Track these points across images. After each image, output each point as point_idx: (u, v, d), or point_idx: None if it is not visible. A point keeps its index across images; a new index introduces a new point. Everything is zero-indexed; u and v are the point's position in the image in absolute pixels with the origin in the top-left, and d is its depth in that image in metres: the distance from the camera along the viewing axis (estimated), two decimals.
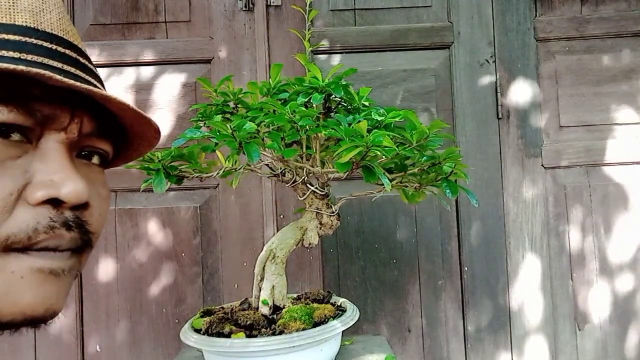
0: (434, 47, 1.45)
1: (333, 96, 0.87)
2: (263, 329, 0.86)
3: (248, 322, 0.87)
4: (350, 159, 0.73)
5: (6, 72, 0.33)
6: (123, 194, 1.41)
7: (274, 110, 0.81)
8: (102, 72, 1.43)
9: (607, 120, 1.45)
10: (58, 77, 0.35)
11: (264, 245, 0.98)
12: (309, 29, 0.93)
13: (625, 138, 1.45)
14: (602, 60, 1.46)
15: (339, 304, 0.99)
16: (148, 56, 1.42)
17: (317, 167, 0.87)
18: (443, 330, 1.41)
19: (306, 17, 0.93)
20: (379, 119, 0.81)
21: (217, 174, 0.92)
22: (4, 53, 0.35)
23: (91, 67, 0.43)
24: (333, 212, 0.94)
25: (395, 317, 1.41)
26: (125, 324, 1.39)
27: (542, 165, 1.43)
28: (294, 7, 1.03)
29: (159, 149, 0.90)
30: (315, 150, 0.87)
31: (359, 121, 0.74)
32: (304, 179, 0.91)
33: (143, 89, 1.43)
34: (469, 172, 1.37)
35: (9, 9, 0.37)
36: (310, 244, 0.95)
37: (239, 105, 0.91)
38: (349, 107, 0.90)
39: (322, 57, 1.44)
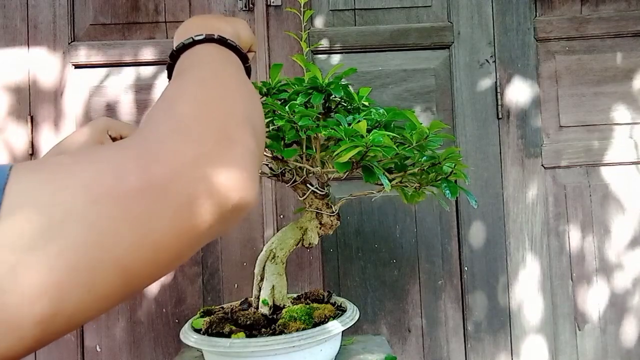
0: (434, 47, 1.45)
1: (333, 96, 0.87)
2: (263, 329, 0.86)
3: (248, 322, 0.87)
4: (350, 158, 0.73)
5: None
6: None
7: (274, 111, 0.81)
8: (102, 72, 1.43)
9: (607, 120, 1.45)
10: None
11: (264, 245, 0.98)
12: (306, 30, 0.94)
13: (625, 138, 1.45)
14: (602, 60, 1.46)
15: (339, 304, 0.99)
16: (148, 56, 1.42)
17: (317, 167, 0.87)
18: (443, 330, 1.41)
19: (302, 18, 0.93)
20: (378, 119, 0.82)
21: None
22: None
23: None
24: (333, 212, 0.94)
25: (395, 317, 1.41)
26: (125, 324, 1.39)
27: (542, 165, 1.43)
28: (288, 9, 1.03)
29: None
30: (315, 150, 0.87)
31: (359, 121, 0.74)
32: (303, 179, 0.91)
33: (143, 88, 1.42)
34: (468, 172, 1.37)
35: None
36: (310, 244, 0.95)
37: None
38: (349, 107, 0.90)
39: (322, 57, 1.44)
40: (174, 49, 0.49)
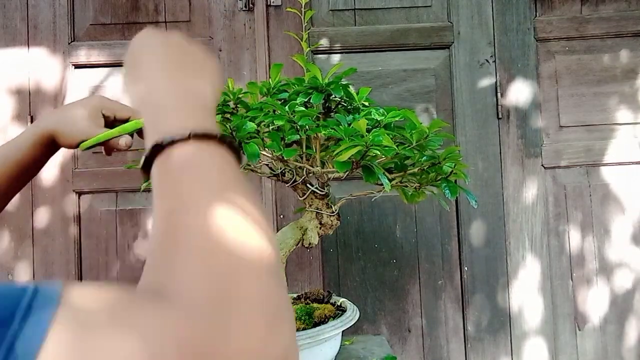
0: (434, 47, 1.45)
1: (333, 96, 0.87)
2: None
3: None
4: (350, 158, 0.73)
5: None
6: (123, 194, 1.41)
7: (274, 110, 0.81)
8: (102, 72, 1.43)
9: (607, 120, 1.45)
10: None
11: None
12: (306, 30, 0.94)
13: (625, 138, 1.45)
14: (602, 60, 1.46)
15: (339, 304, 0.99)
16: None
17: (317, 167, 0.87)
18: (443, 330, 1.41)
19: (302, 18, 0.93)
20: (378, 119, 0.82)
21: None
22: None
23: None
24: (333, 212, 0.94)
25: (395, 317, 1.41)
26: None
27: (542, 165, 1.43)
28: (289, 9, 1.03)
29: None
30: (315, 150, 0.87)
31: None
32: (304, 178, 0.91)
33: None
34: (469, 172, 1.37)
35: None
36: (310, 244, 0.95)
37: (238, 105, 0.91)
38: (349, 107, 0.90)
39: (322, 57, 1.44)
40: (162, 142, 0.35)
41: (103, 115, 0.69)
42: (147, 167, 0.38)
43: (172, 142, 0.35)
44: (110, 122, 0.70)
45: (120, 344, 0.25)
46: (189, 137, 0.35)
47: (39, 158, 0.67)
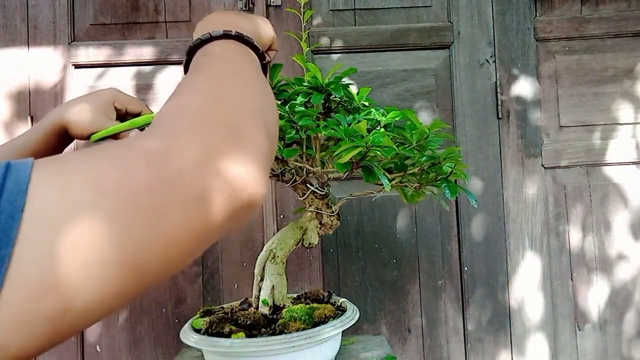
0: (434, 47, 1.45)
1: (333, 96, 0.87)
2: (263, 329, 0.86)
3: (248, 322, 0.87)
4: (350, 159, 0.73)
5: None
6: None
7: None
8: (102, 72, 1.43)
9: (607, 120, 1.45)
10: None
11: (264, 245, 0.98)
12: (306, 30, 0.94)
13: (625, 138, 1.45)
14: (602, 60, 1.46)
15: (339, 304, 0.99)
16: (148, 56, 1.42)
17: (317, 167, 0.87)
18: (443, 330, 1.41)
19: (302, 18, 0.93)
20: (378, 119, 0.82)
21: None
22: None
23: None
24: (333, 212, 0.94)
25: (395, 317, 1.41)
26: (125, 324, 1.39)
27: (542, 165, 1.43)
28: (289, 9, 1.03)
29: None
30: (315, 150, 0.87)
31: (359, 121, 0.74)
32: (304, 179, 0.91)
33: (143, 88, 1.43)
34: (468, 172, 1.37)
35: None
36: (310, 244, 0.95)
37: None
38: (349, 107, 0.90)
39: (322, 57, 1.44)
40: (191, 44, 0.48)
41: (115, 108, 0.70)
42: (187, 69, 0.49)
43: (199, 44, 0.48)
44: (122, 116, 0.71)
45: (93, 163, 0.29)
46: (211, 38, 0.47)
47: (52, 148, 0.68)
